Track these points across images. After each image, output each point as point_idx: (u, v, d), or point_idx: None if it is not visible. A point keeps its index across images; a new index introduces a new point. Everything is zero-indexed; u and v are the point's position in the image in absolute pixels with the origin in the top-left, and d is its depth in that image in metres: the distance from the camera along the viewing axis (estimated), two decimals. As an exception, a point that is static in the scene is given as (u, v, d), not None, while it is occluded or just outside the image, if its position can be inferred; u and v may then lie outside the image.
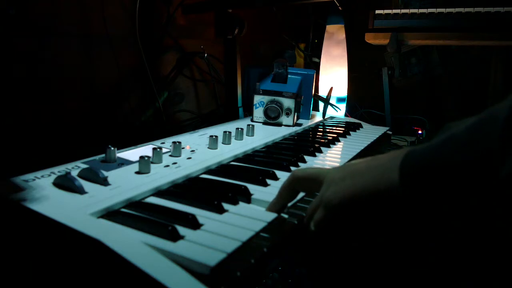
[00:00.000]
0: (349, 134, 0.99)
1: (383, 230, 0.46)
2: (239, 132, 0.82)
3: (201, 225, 0.45)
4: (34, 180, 0.52)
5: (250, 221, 0.47)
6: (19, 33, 0.85)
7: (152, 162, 0.61)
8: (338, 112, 1.27)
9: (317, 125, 1.10)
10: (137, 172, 0.59)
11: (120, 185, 0.53)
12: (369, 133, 1.03)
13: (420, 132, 1.28)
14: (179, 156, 0.68)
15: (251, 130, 0.86)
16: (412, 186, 0.37)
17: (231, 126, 0.92)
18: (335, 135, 0.93)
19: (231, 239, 0.42)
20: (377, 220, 0.42)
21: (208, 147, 0.74)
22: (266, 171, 0.64)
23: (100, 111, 1.06)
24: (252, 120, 1.04)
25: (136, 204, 0.51)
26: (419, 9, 1.15)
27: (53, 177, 0.53)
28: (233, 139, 0.80)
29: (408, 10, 1.16)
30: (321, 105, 1.19)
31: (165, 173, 0.59)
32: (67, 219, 0.42)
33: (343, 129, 1.03)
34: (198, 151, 0.72)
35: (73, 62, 1.00)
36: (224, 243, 0.41)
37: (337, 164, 0.74)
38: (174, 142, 0.68)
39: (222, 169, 0.67)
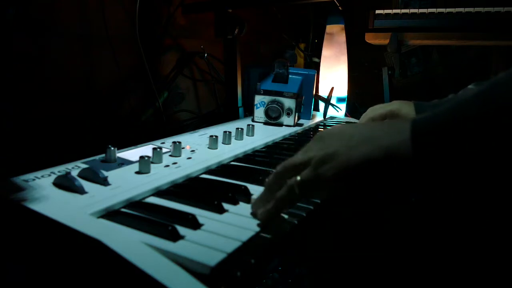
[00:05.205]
0: (349, 134, 0.99)
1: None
2: (239, 132, 0.82)
3: (201, 225, 0.45)
4: (34, 180, 0.52)
5: (250, 221, 0.47)
6: (19, 33, 0.85)
7: (152, 162, 0.61)
8: (339, 112, 1.27)
9: (317, 125, 1.10)
10: (137, 172, 0.59)
11: (120, 185, 0.53)
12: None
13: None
14: (179, 156, 0.68)
15: (251, 130, 0.86)
16: (426, 147, 0.37)
17: (231, 126, 0.92)
18: (335, 135, 0.93)
19: (231, 239, 0.42)
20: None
21: (208, 147, 0.74)
22: (266, 171, 0.64)
23: (100, 111, 1.06)
24: (253, 120, 1.04)
25: (136, 204, 0.50)
26: (419, 9, 1.15)
27: (53, 177, 0.53)
28: (233, 139, 0.80)
29: (408, 10, 1.16)
30: (321, 105, 1.19)
31: (165, 173, 0.59)
32: (67, 219, 0.42)
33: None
34: (198, 151, 0.72)
35: (73, 62, 1.00)
36: (224, 243, 0.41)
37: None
38: (174, 142, 0.68)
39: (222, 169, 0.67)
